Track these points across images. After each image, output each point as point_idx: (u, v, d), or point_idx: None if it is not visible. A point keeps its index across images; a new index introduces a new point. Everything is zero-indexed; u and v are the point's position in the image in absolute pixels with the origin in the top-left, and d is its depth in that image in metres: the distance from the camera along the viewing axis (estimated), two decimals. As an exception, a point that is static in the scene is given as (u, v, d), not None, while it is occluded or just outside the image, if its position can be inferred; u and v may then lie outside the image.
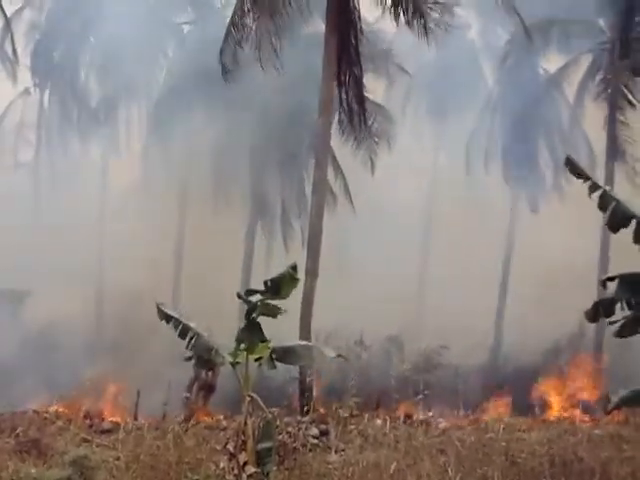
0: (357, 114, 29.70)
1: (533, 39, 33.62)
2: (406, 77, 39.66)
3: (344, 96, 29.51)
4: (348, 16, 29.05)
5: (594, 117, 39.21)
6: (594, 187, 17.27)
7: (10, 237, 39.84)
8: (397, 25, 29.16)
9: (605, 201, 17.12)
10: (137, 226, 39.37)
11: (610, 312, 17.17)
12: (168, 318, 17.62)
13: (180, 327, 17.42)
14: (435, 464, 17.04)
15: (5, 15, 37.17)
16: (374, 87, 32.89)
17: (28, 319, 39.28)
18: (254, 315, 16.87)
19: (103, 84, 44.77)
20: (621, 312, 17.02)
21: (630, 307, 16.93)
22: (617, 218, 16.91)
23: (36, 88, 48.09)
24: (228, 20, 29.31)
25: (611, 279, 17.38)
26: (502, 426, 21.13)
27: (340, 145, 32.03)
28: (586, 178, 17.45)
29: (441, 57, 38.29)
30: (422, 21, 27.83)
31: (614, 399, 17.29)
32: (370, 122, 30.52)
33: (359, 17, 29.22)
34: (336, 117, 30.05)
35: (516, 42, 38.66)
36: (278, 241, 38.36)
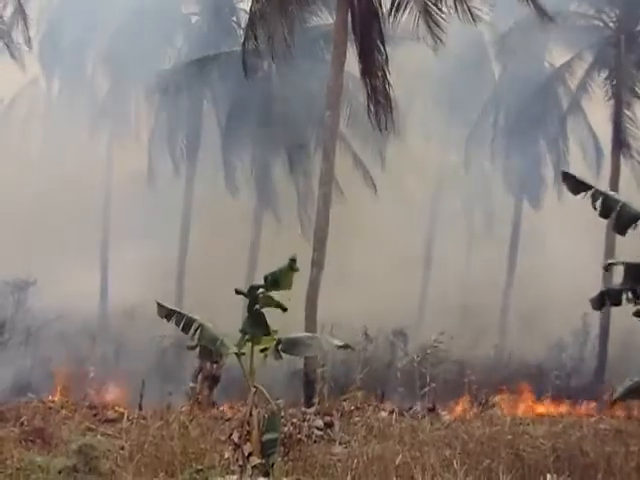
0: (383, 103, 29.52)
1: (542, 24, 32.80)
2: (411, 69, 39.50)
3: (369, 85, 29.40)
4: (369, 6, 28.94)
5: (600, 112, 39.16)
6: (596, 195, 17.15)
7: (15, 227, 39.87)
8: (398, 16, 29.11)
9: (608, 206, 17.01)
10: (142, 216, 39.38)
11: (617, 301, 17.22)
12: (169, 313, 17.54)
13: (183, 320, 17.35)
14: (440, 457, 17.01)
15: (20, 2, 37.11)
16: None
17: (32, 309, 39.30)
18: (257, 307, 16.85)
19: (110, 74, 44.74)
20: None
21: (636, 296, 16.95)
22: (623, 220, 16.86)
23: (44, 77, 48.14)
24: (235, 10, 29.40)
25: (614, 264, 17.44)
26: (508, 419, 21.10)
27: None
28: (587, 188, 17.31)
29: (448, 50, 38.13)
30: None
31: (619, 389, 17.31)
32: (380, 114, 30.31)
33: (380, 3, 29.09)
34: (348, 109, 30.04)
35: (520, 31, 38.34)
36: (284, 232, 38.29)
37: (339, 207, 32.32)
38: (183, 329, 17.30)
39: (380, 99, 29.38)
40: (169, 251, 41.14)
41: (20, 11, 36.83)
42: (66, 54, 45.43)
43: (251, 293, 16.79)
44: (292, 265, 16.70)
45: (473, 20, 28.23)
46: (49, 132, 47.39)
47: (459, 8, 28.14)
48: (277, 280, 16.65)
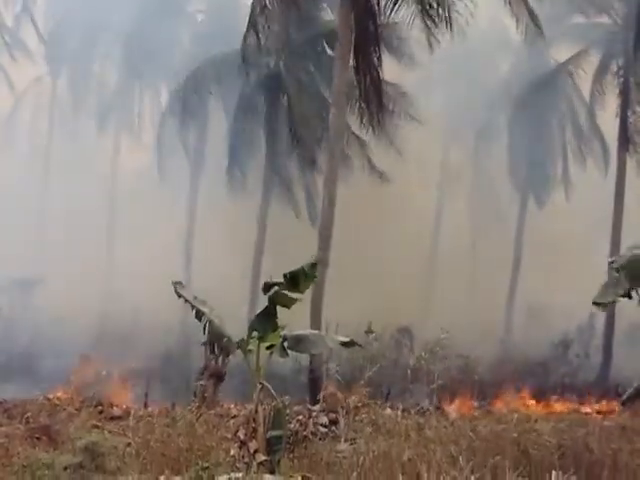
0: (374, 102, 29.57)
1: (543, 31, 32.92)
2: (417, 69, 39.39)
3: (362, 84, 29.43)
4: (366, 4, 29.00)
5: (607, 108, 39.11)
6: None
7: (21, 225, 39.97)
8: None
9: None
10: (149, 212, 39.45)
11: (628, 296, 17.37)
12: (184, 299, 17.71)
13: (195, 310, 17.49)
14: (446, 454, 16.95)
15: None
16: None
17: (39, 306, 39.37)
18: (272, 304, 16.83)
19: (117, 72, 44.83)
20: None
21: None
22: None
23: (50, 75, 48.23)
24: (241, 8, 29.41)
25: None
26: (514, 417, 21.07)
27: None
28: None
29: (453, 49, 38.06)
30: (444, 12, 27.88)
31: (629, 390, 17.33)
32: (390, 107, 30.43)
33: (377, 3, 29.15)
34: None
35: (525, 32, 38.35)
36: (291, 227, 38.24)
37: (344, 203, 32.34)
38: (196, 316, 17.44)
39: (372, 98, 29.47)
40: (175, 247, 41.22)
41: (27, 9, 36.98)
42: (73, 51, 45.49)
43: (266, 290, 16.77)
44: (313, 272, 16.66)
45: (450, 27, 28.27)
46: (55, 129, 47.47)
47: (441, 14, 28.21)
48: (297, 281, 16.58)
